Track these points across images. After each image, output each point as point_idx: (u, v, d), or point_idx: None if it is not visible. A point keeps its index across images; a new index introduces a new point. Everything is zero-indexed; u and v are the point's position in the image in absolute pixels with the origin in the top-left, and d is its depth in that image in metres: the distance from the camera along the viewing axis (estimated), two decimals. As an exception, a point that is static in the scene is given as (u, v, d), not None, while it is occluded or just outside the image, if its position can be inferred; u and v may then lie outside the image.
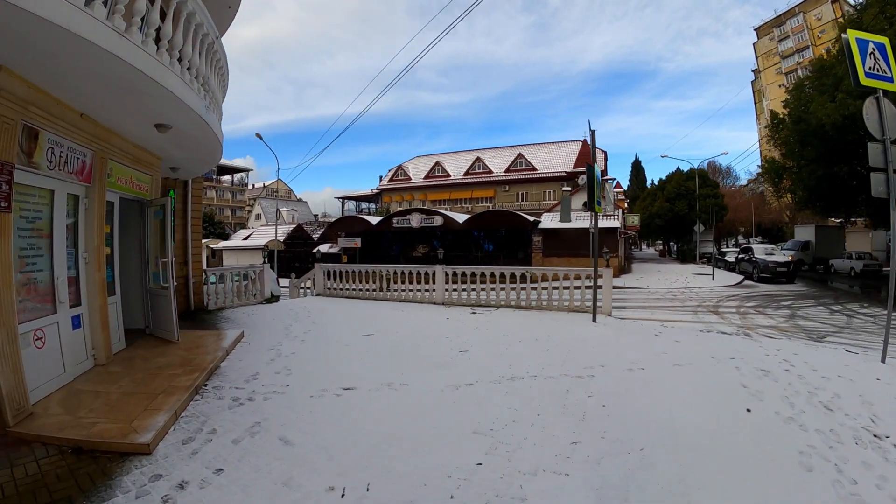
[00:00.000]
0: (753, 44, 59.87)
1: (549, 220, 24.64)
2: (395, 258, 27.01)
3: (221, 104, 7.01)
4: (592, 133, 9.45)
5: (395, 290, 11.31)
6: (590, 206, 8.91)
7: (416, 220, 25.68)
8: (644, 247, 70.68)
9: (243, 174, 58.56)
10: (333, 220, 34.90)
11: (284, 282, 15.32)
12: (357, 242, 24.00)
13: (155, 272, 6.59)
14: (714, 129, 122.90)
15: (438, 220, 25.56)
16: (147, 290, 6.83)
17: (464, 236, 26.59)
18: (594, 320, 8.90)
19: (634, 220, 26.61)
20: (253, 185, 63.61)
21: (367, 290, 11.72)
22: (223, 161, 55.82)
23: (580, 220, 23.93)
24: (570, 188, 25.89)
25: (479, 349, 6.44)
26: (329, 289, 12.18)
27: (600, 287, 9.25)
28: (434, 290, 10.77)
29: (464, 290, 10.63)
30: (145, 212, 6.65)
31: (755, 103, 62.33)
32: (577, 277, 10.28)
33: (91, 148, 5.29)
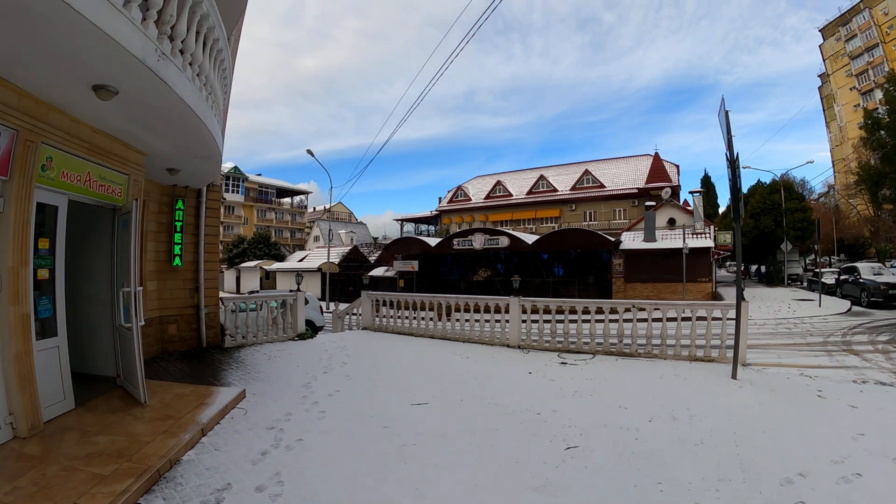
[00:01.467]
0: (819, 46, 53.25)
1: (632, 240, 21.36)
2: (455, 283, 24.84)
3: (224, 91, 5.20)
4: (726, 113, 6.71)
5: (457, 326, 8.97)
6: (734, 215, 6.13)
7: (478, 241, 23.40)
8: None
9: (303, 197, 59.77)
10: (390, 241, 33.65)
11: (339, 307, 13.55)
12: (414, 266, 22.08)
13: (126, 305, 4.75)
14: (780, 143, 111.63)
15: (504, 241, 23.11)
16: (116, 329, 5.01)
17: (530, 259, 24.00)
18: (734, 376, 6.11)
19: (726, 238, 22.65)
20: (314, 209, 64.86)
21: (422, 324, 9.49)
22: (284, 183, 57.67)
23: (667, 240, 20.52)
24: (653, 203, 22.52)
25: (592, 440, 3.93)
26: (378, 321, 10.12)
27: (728, 323, 6.39)
28: (507, 328, 8.32)
29: (546, 324, 8.11)
30: (115, 223, 4.88)
31: (824, 110, 55.91)
32: (700, 317, 7.42)
33: (10, 126, 3.55)
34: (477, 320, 9.09)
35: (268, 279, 34.72)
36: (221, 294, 8.88)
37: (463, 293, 25.02)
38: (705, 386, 5.72)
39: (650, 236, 19.82)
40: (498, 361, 7.03)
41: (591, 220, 34.00)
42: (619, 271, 20.36)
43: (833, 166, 49.76)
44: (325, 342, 8.73)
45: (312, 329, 11.93)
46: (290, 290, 9.38)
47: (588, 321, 7.61)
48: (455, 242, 23.75)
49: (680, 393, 5.35)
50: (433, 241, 24.66)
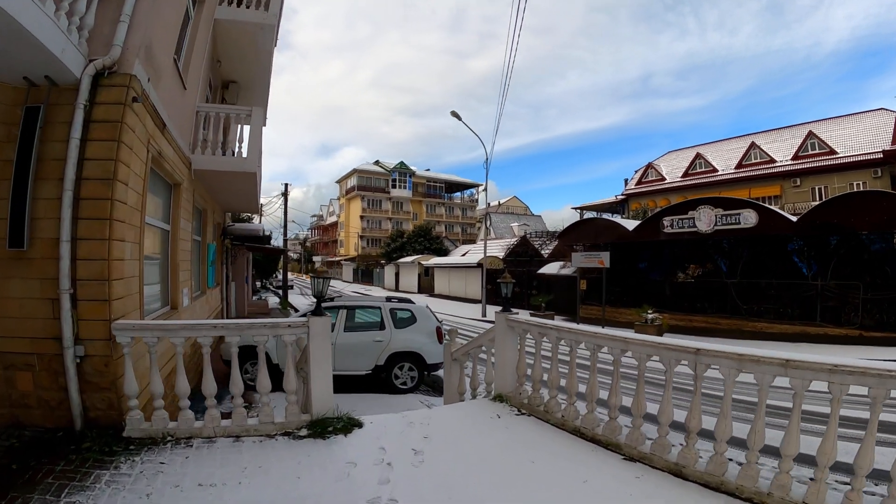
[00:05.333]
0: None
1: None
2: (658, 287, 16.80)
3: None
4: None
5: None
6: None
7: (705, 220, 14.87)
8: None
9: (473, 190, 56.67)
10: (567, 226, 26.82)
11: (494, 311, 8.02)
12: (602, 260, 15.03)
13: None
14: None
15: (748, 218, 14.09)
16: None
17: (769, 248, 14.69)
18: None
19: None
20: (489, 204, 61.45)
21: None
22: (453, 177, 55.49)
23: None
24: None
25: None
26: (529, 394, 4.16)
27: None
28: None
29: None
30: None
31: None
32: None
33: None
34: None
35: (426, 276, 31.60)
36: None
37: (669, 303, 15.72)
38: None
39: None
40: None
41: (819, 197, 24.15)
42: None
43: None
44: (369, 452, 3.11)
45: (417, 366, 6.86)
46: (305, 314, 4.05)
47: None
48: (666, 223, 15.69)
49: None
50: (630, 224, 17.01)
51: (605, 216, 36.03)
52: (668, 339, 3.18)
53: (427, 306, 8.10)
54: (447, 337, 5.37)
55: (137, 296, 4.12)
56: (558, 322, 3.92)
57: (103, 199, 3.55)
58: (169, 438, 3.46)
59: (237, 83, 9.18)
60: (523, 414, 3.97)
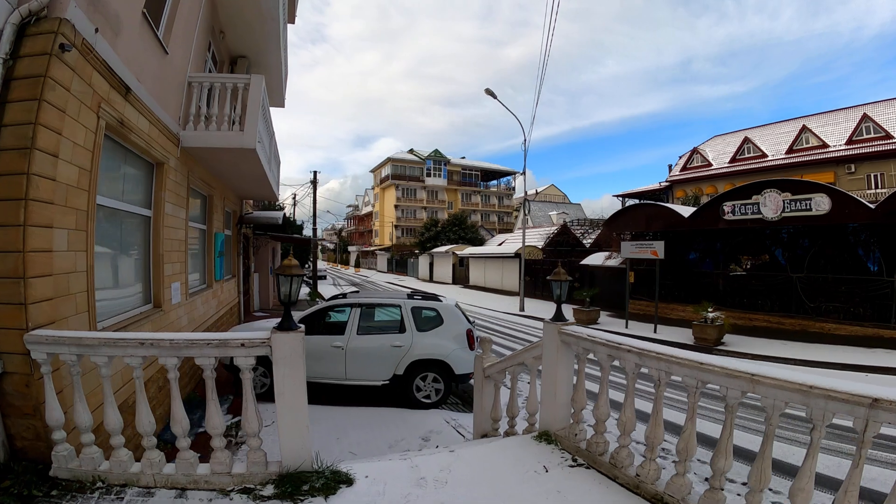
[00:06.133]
0: None
1: None
2: (711, 281, 15.05)
3: None
4: None
5: None
6: None
7: (771, 205, 12.96)
8: None
9: (510, 178, 54.80)
10: (613, 213, 25.10)
11: (553, 308, 7.03)
12: (656, 251, 13.46)
13: None
14: None
15: (820, 204, 12.11)
16: None
17: (833, 239, 12.80)
18: None
19: None
20: (525, 192, 59.65)
21: None
22: (488, 164, 53.72)
23: None
24: None
25: None
26: (592, 440, 3.04)
27: None
28: None
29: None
30: None
31: None
32: None
33: None
34: None
35: (461, 266, 30.43)
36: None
37: (722, 298, 13.77)
38: None
39: None
40: None
41: (876, 186, 22.05)
42: None
43: None
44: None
45: (443, 376, 6.29)
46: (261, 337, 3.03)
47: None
48: (727, 209, 13.87)
49: None
50: (685, 211, 15.24)
51: (650, 203, 33.96)
52: (822, 378, 1.98)
53: (457, 304, 6.95)
54: (479, 347, 4.30)
55: (83, 296, 3.28)
56: (638, 342, 2.73)
57: (17, 174, 2.69)
58: (99, 484, 2.59)
59: (247, 59, 8.35)
60: (579, 465, 2.86)
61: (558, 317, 3.19)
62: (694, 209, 15.75)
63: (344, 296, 6.87)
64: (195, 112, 5.59)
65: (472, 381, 5.93)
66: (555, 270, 3.33)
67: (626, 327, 13.18)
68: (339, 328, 6.38)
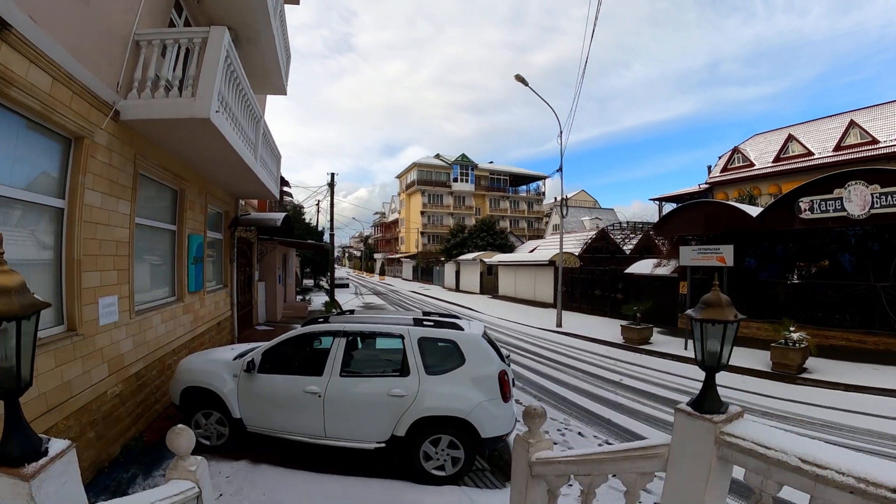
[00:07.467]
0: None
1: None
2: (772, 290, 12.91)
3: None
4: None
5: None
6: None
7: (858, 200, 10.81)
8: None
9: (540, 183, 52.66)
10: (664, 214, 22.95)
11: (594, 322, 5.84)
12: (722, 256, 11.46)
13: None
14: None
15: None
16: None
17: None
18: None
19: None
20: (555, 199, 57.71)
21: None
22: (517, 169, 51.63)
23: None
24: None
25: None
26: None
27: None
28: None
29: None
30: None
31: None
32: None
33: None
34: None
35: (489, 274, 28.62)
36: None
37: (784, 311, 11.16)
38: None
39: None
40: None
41: None
42: None
43: None
44: None
45: (463, 440, 4.36)
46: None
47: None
48: (804, 206, 11.81)
49: None
50: (753, 211, 13.18)
51: (709, 201, 31.72)
52: None
53: (484, 333, 4.76)
54: (525, 420, 2.61)
55: None
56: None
57: None
58: None
59: (234, 32, 7.15)
60: None
61: (711, 402, 1.60)
62: (761, 208, 13.67)
63: (326, 319, 5.00)
64: (141, 77, 4.33)
65: (509, 441, 4.26)
66: (704, 298, 1.63)
67: (686, 348, 11.26)
68: (317, 367, 4.53)
